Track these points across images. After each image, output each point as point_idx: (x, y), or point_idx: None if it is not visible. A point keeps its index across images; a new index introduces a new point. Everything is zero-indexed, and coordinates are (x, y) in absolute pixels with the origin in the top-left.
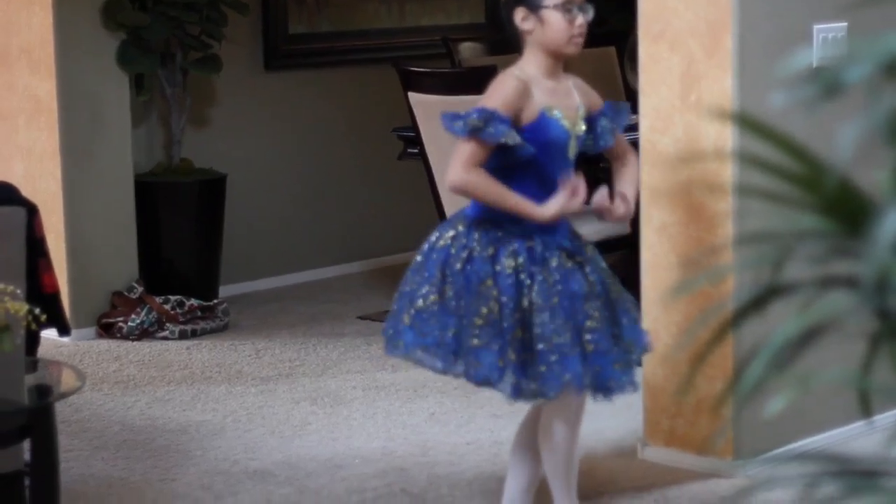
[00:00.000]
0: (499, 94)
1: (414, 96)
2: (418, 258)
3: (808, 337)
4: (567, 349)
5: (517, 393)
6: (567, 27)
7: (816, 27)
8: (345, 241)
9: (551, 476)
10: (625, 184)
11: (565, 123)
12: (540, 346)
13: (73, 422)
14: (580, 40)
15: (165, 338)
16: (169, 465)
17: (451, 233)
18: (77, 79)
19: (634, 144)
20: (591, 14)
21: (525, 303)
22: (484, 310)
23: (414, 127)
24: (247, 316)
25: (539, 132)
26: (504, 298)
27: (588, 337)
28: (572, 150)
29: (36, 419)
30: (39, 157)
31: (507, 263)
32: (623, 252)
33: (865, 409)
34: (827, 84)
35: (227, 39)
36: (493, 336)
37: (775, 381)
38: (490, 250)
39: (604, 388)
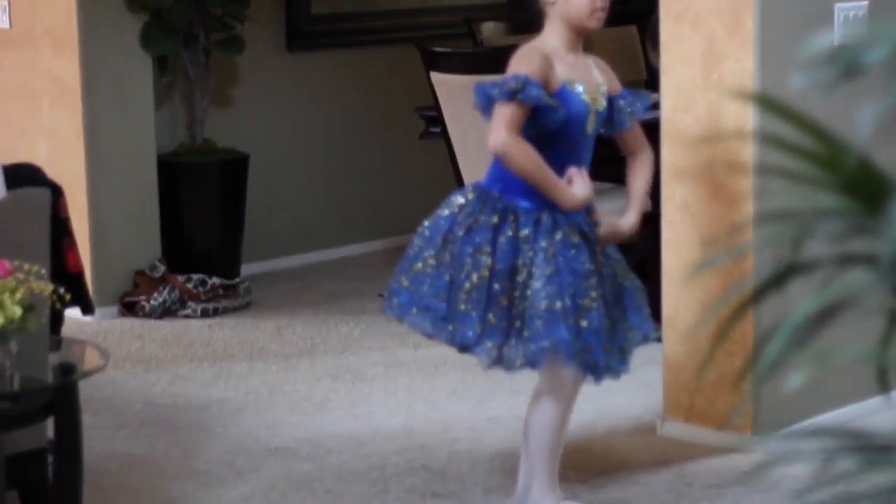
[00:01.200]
0: (526, 63)
1: (436, 76)
2: (426, 223)
3: (827, 314)
4: (556, 317)
5: (495, 360)
6: (591, 1)
7: (837, 6)
8: (366, 220)
9: (534, 454)
10: (635, 192)
11: (586, 98)
12: (528, 312)
13: (95, 400)
14: (602, 15)
15: (188, 316)
16: (191, 442)
17: (461, 200)
18: (100, 60)
19: (656, 124)
20: None
21: (523, 272)
22: (475, 276)
23: (436, 106)
24: (268, 294)
25: (562, 103)
26: (499, 265)
27: (582, 314)
28: (591, 126)
29: (60, 397)
30: (63, 138)
31: (509, 233)
32: (644, 229)
33: (883, 384)
34: (846, 65)
35: (250, 20)
36: (478, 301)
37: (794, 358)
38: (495, 219)
39: (591, 367)
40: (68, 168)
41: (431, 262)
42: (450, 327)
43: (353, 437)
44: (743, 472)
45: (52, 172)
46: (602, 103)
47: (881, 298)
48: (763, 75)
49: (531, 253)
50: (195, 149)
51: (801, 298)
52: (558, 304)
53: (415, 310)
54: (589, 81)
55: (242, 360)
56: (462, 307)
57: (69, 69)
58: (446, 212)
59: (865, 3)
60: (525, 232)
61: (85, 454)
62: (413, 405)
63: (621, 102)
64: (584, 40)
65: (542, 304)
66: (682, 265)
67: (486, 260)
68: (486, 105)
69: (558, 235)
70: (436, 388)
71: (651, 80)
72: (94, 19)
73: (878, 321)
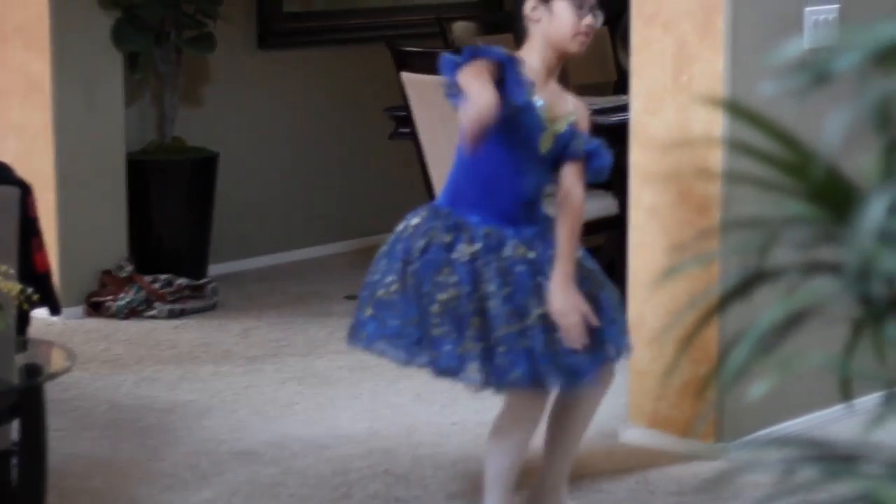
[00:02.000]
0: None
1: (407, 76)
2: (384, 247)
3: (793, 322)
4: (514, 341)
5: (484, 382)
6: (575, 22)
7: (808, 10)
8: (335, 221)
9: (491, 480)
10: (559, 252)
11: (542, 112)
12: (493, 336)
13: (60, 401)
14: (585, 39)
15: (154, 317)
16: (156, 444)
17: (416, 220)
18: (71, 57)
19: (625, 127)
20: (600, 19)
21: (482, 290)
22: (442, 297)
23: (406, 106)
24: (235, 295)
25: (513, 109)
26: (463, 286)
27: (528, 332)
28: (545, 145)
29: (26, 399)
30: (33, 135)
31: (463, 250)
32: (611, 232)
33: (846, 393)
34: (817, 72)
35: (222, 18)
36: (452, 324)
37: (759, 366)
38: (447, 237)
39: (545, 385)
40: (37, 165)
41: (395, 287)
42: (426, 354)
43: (317, 440)
44: (705, 480)
45: (20, 169)
46: (562, 126)
47: (846, 307)
48: (733, 78)
49: (486, 269)
50: (164, 147)
51: (766, 306)
52: (515, 327)
53: (384, 339)
54: (554, 103)
55: (208, 361)
56: (436, 331)
57: (39, 66)
58: (404, 233)
59: (836, 7)
60: (477, 246)
61: (49, 456)
62: (377, 409)
63: (579, 137)
64: (562, 64)
65: (503, 329)
66: (649, 269)
67: (450, 280)
68: (451, 71)
69: (507, 251)
70: (400, 393)
71: (621, 82)
72: (66, 16)
73: (842, 329)
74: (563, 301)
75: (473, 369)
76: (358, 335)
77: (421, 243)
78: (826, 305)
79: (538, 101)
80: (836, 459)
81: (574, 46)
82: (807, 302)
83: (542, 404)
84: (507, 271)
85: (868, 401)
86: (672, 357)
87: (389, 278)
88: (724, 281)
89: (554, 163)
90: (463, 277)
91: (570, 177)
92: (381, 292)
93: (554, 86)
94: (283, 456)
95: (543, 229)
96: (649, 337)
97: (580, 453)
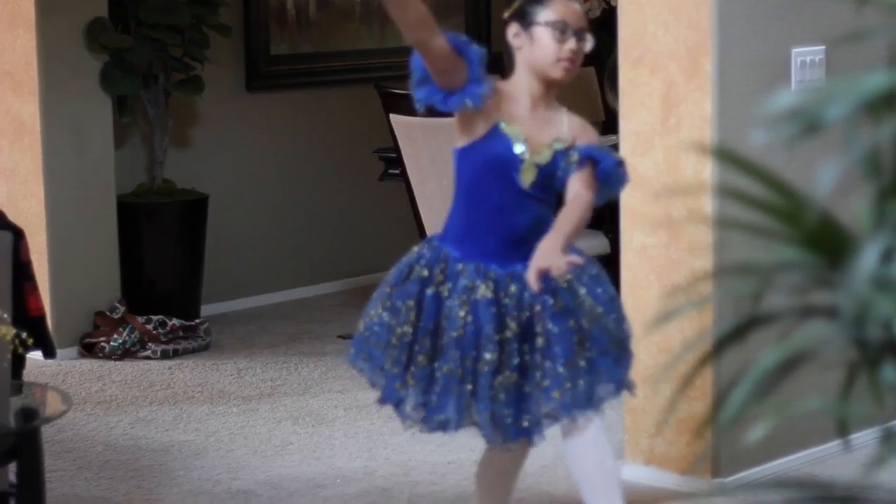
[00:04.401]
0: None
1: (395, 118)
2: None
3: (788, 366)
4: (451, 382)
5: (419, 421)
6: (556, 48)
7: (795, 50)
8: (326, 261)
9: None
10: (558, 219)
11: (516, 143)
12: (436, 374)
13: (56, 442)
14: (568, 65)
15: (147, 357)
16: (152, 485)
17: (415, 248)
18: (60, 100)
19: None
20: (589, 44)
21: (441, 327)
22: (399, 330)
23: (395, 148)
24: (228, 335)
25: (486, 145)
26: (423, 321)
27: (470, 377)
28: (526, 178)
29: (22, 443)
30: (23, 178)
31: (435, 284)
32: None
33: (843, 434)
34: (807, 122)
35: (210, 61)
36: (400, 358)
37: (756, 409)
38: (425, 271)
39: (489, 436)
40: (27, 208)
41: (381, 309)
42: (380, 384)
43: (313, 480)
44: None
45: (11, 213)
46: (545, 157)
47: (841, 351)
48: (721, 120)
49: (450, 308)
50: (155, 190)
51: (762, 347)
52: (457, 372)
53: (363, 356)
54: (537, 134)
55: (203, 402)
56: (387, 364)
57: (28, 110)
58: (403, 259)
59: (822, 48)
60: (448, 284)
61: (45, 497)
62: (373, 448)
63: (573, 156)
64: (553, 90)
65: (442, 368)
66: (641, 309)
67: (410, 316)
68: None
69: (480, 290)
70: (396, 431)
71: (609, 122)
72: (55, 60)
73: (837, 372)
74: (550, 250)
75: (410, 406)
76: (349, 350)
77: (404, 272)
78: (821, 349)
79: (510, 130)
80: (835, 501)
81: (557, 73)
82: (802, 346)
83: (508, 452)
84: (471, 310)
85: (863, 436)
86: (669, 398)
87: (382, 300)
88: (720, 325)
89: (550, 192)
90: (427, 313)
91: (576, 183)
92: (372, 311)
93: (543, 113)
94: (280, 496)
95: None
96: (644, 375)
97: (577, 490)
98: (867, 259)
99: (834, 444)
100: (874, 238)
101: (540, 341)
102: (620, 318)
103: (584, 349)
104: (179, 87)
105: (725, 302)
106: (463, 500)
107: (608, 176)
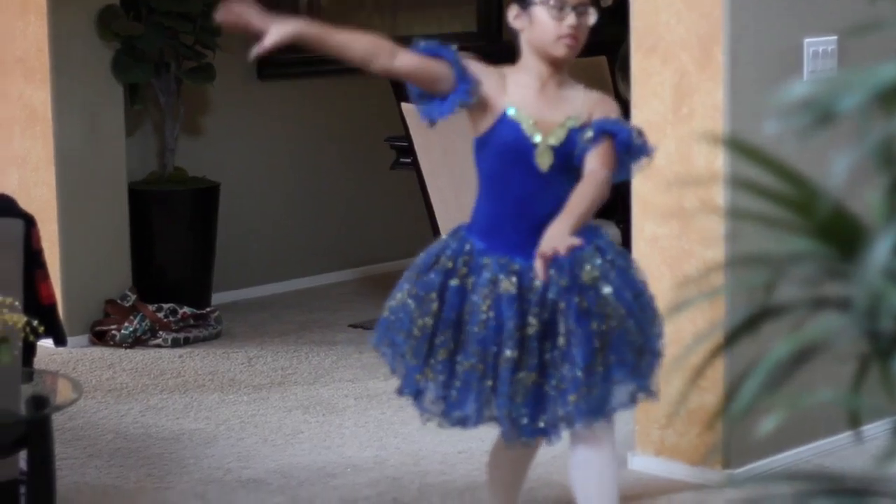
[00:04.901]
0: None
1: (407, 106)
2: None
3: (800, 358)
4: (471, 378)
5: (438, 415)
6: (555, 25)
7: (807, 41)
8: (337, 250)
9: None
10: (569, 202)
11: (527, 128)
12: (455, 369)
13: (66, 430)
14: (570, 42)
15: (158, 346)
16: (162, 473)
17: (444, 237)
18: (72, 88)
19: None
20: (592, 17)
21: (463, 320)
22: (420, 322)
23: (407, 136)
24: (239, 324)
25: (496, 134)
26: (445, 313)
27: (491, 372)
28: (543, 161)
29: (33, 430)
30: (34, 166)
31: (459, 276)
32: None
33: (855, 426)
34: (820, 113)
35: (221, 49)
36: (421, 349)
37: (767, 401)
38: (450, 263)
39: (506, 433)
40: (39, 196)
41: (406, 295)
42: (400, 373)
43: (324, 469)
44: None
45: (22, 200)
46: (559, 137)
47: (853, 342)
48: (734, 110)
49: (472, 301)
50: (166, 177)
51: (774, 339)
52: (479, 367)
53: (386, 341)
54: (548, 115)
55: (213, 390)
56: (408, 355)
57: (40, 97)
58: (432, 247)
59: (835, 38)
60: (472, 278)
61: (56, 485)
62: (384, 437)
63: (588, 133)
64: (562, 68)
65: (463, 364)
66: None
67: (432, 307)
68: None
69: (502, 285)
70: (407, 421)
71: (621, 111)
72: (66, 48)
73: (849, 363)
74: (558, 235)
75: (429, 399)
76: (376, 331)
77: (431, 261)
78: (833, 341)
79: (518, 115)
80: (846, 493)
81: (559, 51)
82: (814, 338)
83: (517, 446)
84: (493, 305)
85: (875, 428)
86: (680, 389)
87: (407, 284)
88: (732, 316)
89: (572, 174)
90: (449, 304)
91: (592, 161)
92: (397, 295)
93: (555, 92)
94: (290, 484)
95: (577, 255)
96: None
97: None
98: (880, 251)
99: (844, 436)
100: (887, 230)
101: (561, 341)
102: (645, 320)
103: (604, 355)
104: (191, 74)
105: (737, 293)
106: (473, 489)
107: (628, 147)
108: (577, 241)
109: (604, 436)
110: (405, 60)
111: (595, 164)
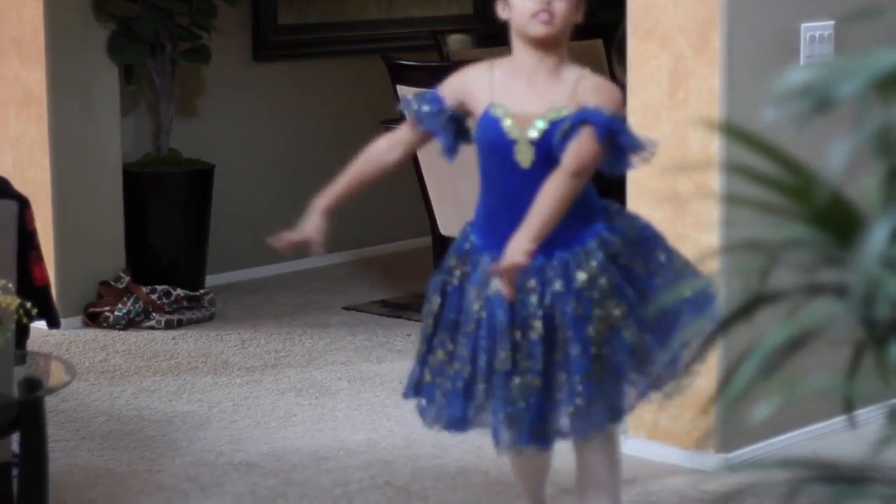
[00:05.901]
0: (450, 79)
1: (402, 89)
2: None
3: (795, 344)
4: (457, 383)
5: (433, 417)
6: (527, 5)
7: (804, 25)
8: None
9: None
10: (530, 213)
11: (506, 125)
12: (450, 372)
13: (59, 412)
14: (544, 17)
15: (152, 327)
16: (155, 455)
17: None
18: (67, 69)
19: None
20: None
21: (461, 320)
22: (424, 323)
23: (402, 119)
24: (233, 306)
25: (480, 131)
26: (445, 313)
27: (494, 377)
28: (523, 158)
29: (26, 413)
30: (28, 146)
31: (458, 273)
32: None
33: (849, 412)
34: (818, 99)
35: (217, 30)
36: (421, 352)
37: (762, 387)
38: (452, 260)
39: (496, 437)
40: (33, 177)
41: (431, 292)
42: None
43: (316, 452)
44: (708, 494)
45: (17, 181)
46: (538, 130)
47: (849, 329)
48: (730, 95)
49: (467, 299)
50: (161, 159)
51: (769, 323)
52: (466, 370)
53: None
54: (533, 107)
55: (206, 372)
56: (415, 358)
57: (35, 78)
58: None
59: (831, 23)
60: (468, 271)
61: (49, 467)
62: (377, 420)
63: (562, 125)
64: (554, 52)
65: (453, 366)
66: None
67: (433, 308)
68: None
69: (493, 285)
70: (400, 404)
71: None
72: (61, 28)
73: (844, 349)
74: (516, 252)
75: (425, 401)
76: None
77: (447, 257)
78: (828, 327)
79: (497, 111)
80: (842, 481)
81: (535, 29)
82: (809, 324)
83: (522, 454)
84: (484, 305)
85: (868, 413)
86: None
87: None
88: (727, 301)
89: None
90: (450, 304)
91: (566, 153)
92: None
93: (545, 81)
94: (283, 467)
95: (576, 252)
96: None
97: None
98: (876, 238)
99: (838, 421)
100: (883, 217)
101: (561, 347)
102: (663, 318)
103: (603, 360)
104: (186, 56)
105: (733, 278)
106: (465, 473)
107: (610, 133)
108: (527, 258)
109: (608, 441)
110: (403, 143)
111: (565, 159)
